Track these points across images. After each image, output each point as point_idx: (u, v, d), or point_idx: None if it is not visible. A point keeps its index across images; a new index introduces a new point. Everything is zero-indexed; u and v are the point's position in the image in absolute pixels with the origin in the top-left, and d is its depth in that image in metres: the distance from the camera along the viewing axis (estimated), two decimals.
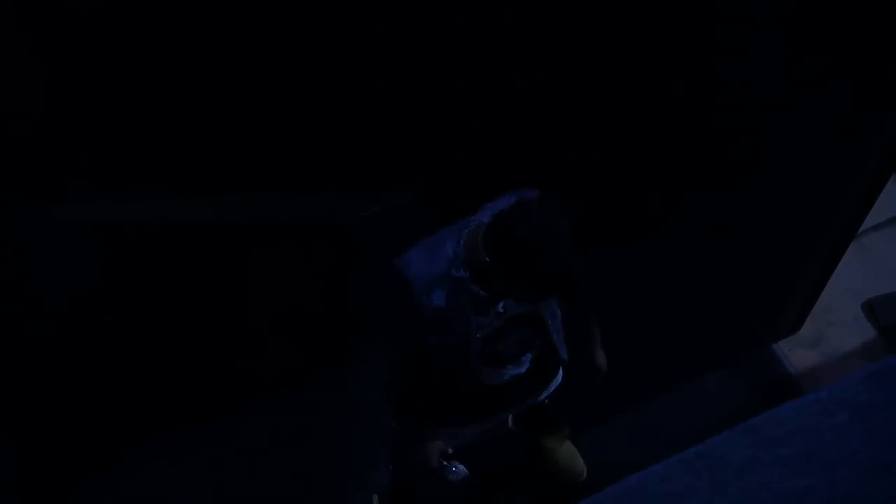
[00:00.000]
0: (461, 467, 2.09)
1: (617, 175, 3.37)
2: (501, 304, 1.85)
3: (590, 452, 2.82)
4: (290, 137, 3.22)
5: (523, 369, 2.09)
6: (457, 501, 2.77)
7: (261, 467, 2.93)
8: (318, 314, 3.22)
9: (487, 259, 1.69)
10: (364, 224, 3.44)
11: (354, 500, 2.90)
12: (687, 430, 2.80)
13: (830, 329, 3.12)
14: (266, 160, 3.26)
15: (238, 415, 3.01)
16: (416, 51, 3.02)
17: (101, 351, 3.11)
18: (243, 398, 3.04)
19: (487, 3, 2.93)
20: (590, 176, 3.27)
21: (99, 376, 3.09)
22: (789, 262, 2.78)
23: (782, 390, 3.01)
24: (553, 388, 2.28)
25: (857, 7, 2.09)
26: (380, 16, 2.87)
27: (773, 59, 2.50)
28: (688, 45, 2.92)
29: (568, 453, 2.82)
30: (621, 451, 2.81)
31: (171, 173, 3.08)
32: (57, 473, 2.95)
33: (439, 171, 3.42)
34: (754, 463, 1.43)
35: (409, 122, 3.28)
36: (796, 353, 3.09)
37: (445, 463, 2.08)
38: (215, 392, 3.05)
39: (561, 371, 2.28)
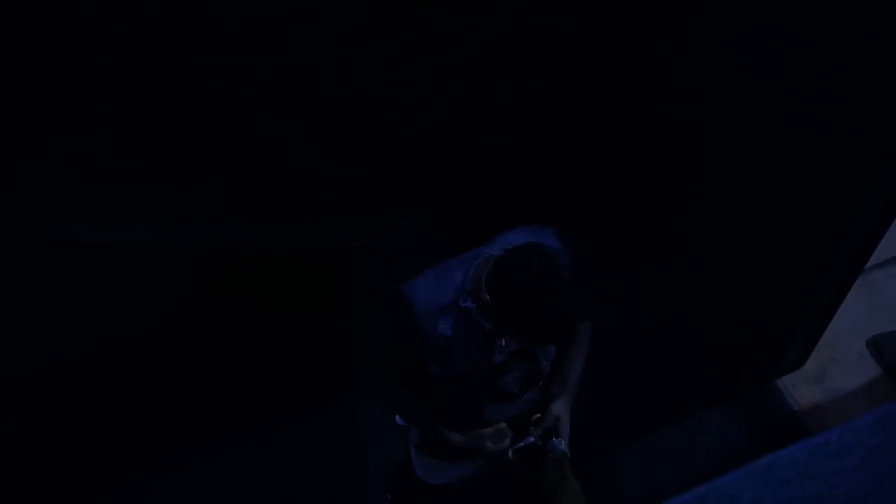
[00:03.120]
0: (531, 440, 1.99)
1: (621, 202, 3.37)
2: (503, 339, 1.83)
3: (591, 487, 2.78)
4: (294, 162, 3.22)
5: (525, 407, 2.07)
6: None
7: (258, 499, 2.89)
8: (318, 339, 3.20)
9: (488, 297, 1.69)
10: (367, 249, 3.44)
11: None
12: (690, 465, 2.78)
13: (834, 365, 3.10)
14: (269, 184, 3.25)
15: (233, 444, 2.99)
16: (424, 72, 3.03)
17: (105, 370, 3.10)
18: (240, 427, 3.01)
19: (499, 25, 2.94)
20: (595, 203, 3.27)
21: (105, 394, 3.08)
22: (794, 298, 2.76)
23: (785, 426, 2.99)
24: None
25: (863, 46, 2.09)
26: (387, 37, 2.88)
27: (778, 94, 2.50)
28: (696, 79, 2.93)
29: (569, 488, 2.78)
30: (622, 485, 2.78)
31: (174, 197, 3.08)
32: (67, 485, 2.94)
33: (444, 196, 3.41)
34: None
35: (415, 145, 3.28)
36: (800, 389, 3.07)
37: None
38: (212, 420, 3.02)
39: None
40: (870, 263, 2.63)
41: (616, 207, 3.35)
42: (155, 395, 3.06)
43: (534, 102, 3.25)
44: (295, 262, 3.34)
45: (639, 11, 2.97)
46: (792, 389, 3.06)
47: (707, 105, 2.89)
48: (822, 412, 3.01)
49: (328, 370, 3.14)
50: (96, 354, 3.09)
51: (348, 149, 3.23)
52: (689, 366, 3.08)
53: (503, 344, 1.85)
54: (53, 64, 2.55)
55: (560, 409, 2.00)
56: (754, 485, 1.42)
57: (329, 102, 3.02)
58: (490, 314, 1.73)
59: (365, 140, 3.19)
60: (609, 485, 2.79)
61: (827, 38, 2.19)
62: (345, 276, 3.37)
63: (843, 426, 1.41)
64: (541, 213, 2.05)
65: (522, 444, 1.97)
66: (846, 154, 2.31)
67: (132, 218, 3.09)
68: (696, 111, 2.97)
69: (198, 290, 3.23)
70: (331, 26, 2.77)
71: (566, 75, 3.18)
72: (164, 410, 3.03)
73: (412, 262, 1.92)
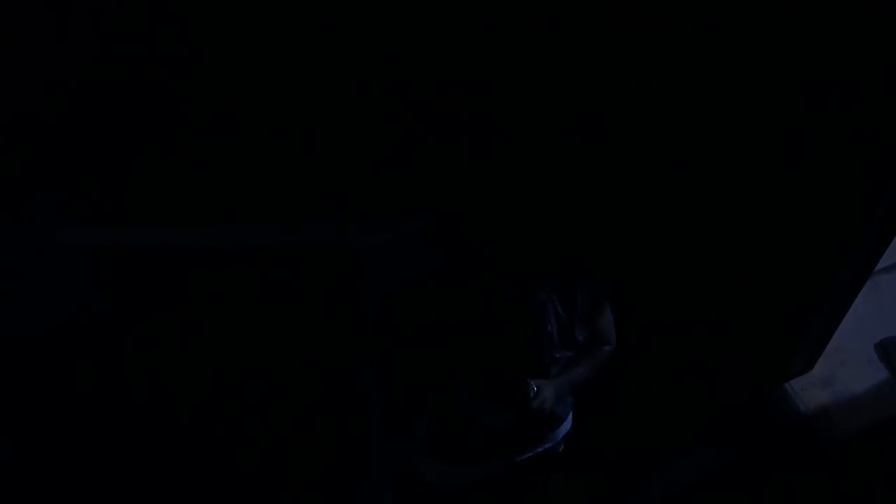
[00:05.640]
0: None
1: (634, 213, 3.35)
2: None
3: (599, 494, 2.78)
4: (300, 161, 3.21)
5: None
6: None
7: (259, 497, 2.90)
8: (323, 339, 3.20)
9: None
10: (376, 250, 3.43)
11: None
12: (698, 469, 2.77)
13: (843, 369, 3.09)
14: (274, 183, 3.25)
15: (236, 439, 2.99)
16: (434, 66, 3.01)
17: (104, 372, 3.10)
18: (244, 421, 3.01)
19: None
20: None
21: (105, 393, 3.08)
22: (803, 301, 2.75)
23: (793, 430, 2.97)
24: (562, 433, 2.25)
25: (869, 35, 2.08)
26: (396, 33, 2.86)
27: (791, 93, 2.49)
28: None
29: (577, 495, 2.78)
30: (630, 491, 2.77)
31: (182, 198, 3.08)
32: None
33: (455, 196, 3.39)
34: None
35: (424, 142, 3.26)
36: (808, 392, 3.05)
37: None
38: (214, 418, 3.02)
39: (570, 415, 2.25)
40: (878, 267, 2.62)
41: (625, 211, 3.33)
42: (155, 394, 3.07)
43: (543, 104, 3.24)
44: (298, 263, 3.34)
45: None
46: (800, 393, 3.05)
47: (710, 108, 2.88)
48: (831, 416, 2.99)
49: (331, 371, 3.14)
50: (96, 352, 3.10)
51: (349, 147, 3.22)
52: (698, 370, 3.07)
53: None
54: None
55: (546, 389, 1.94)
56: None
57: (331, 100, 3.01)
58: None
59: (366, 138, 3.18)
60: (616, 489, 2.78)
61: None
62: (348, 277, 3.36)
63: None
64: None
65: (531, 452, 1.97)
66: (854, 156, 2.30)
67: (132, 220, 3.09)
68: (697, 111, 2.96)
69: (200, 290, 3.23)
70: (330, 21, 2.76)
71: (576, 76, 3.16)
72: (165, 410, 3.04)
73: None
